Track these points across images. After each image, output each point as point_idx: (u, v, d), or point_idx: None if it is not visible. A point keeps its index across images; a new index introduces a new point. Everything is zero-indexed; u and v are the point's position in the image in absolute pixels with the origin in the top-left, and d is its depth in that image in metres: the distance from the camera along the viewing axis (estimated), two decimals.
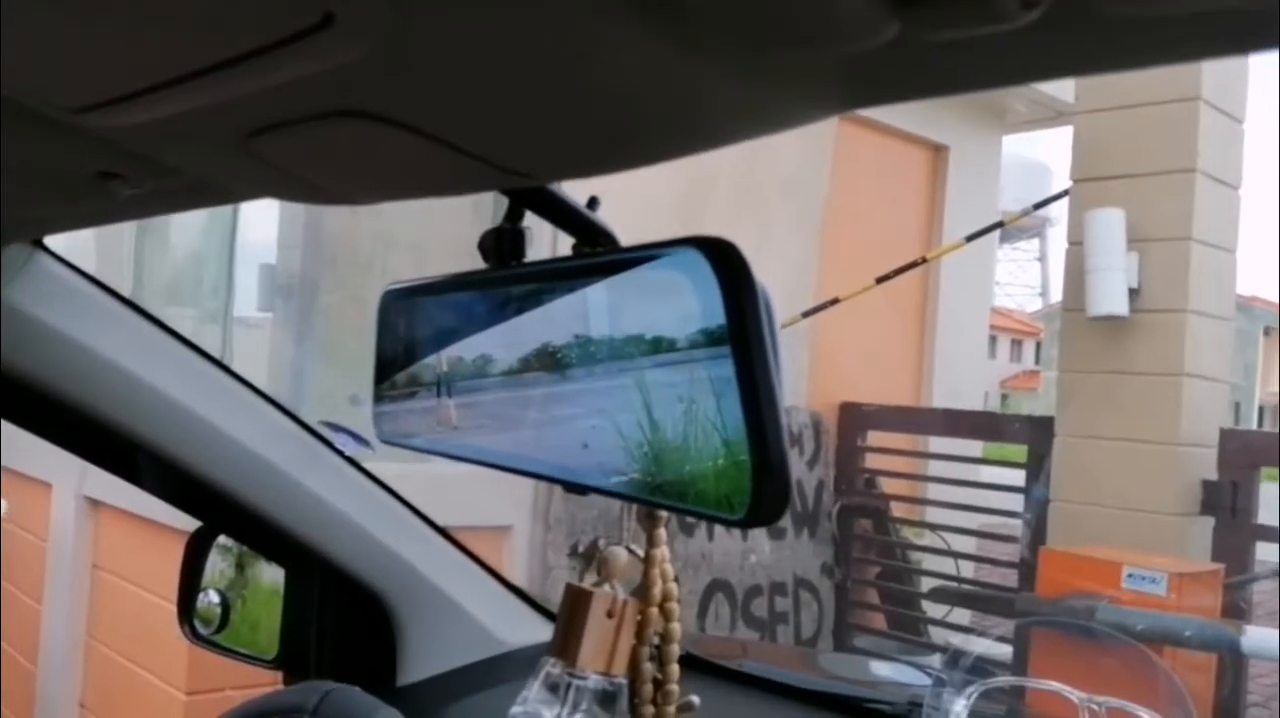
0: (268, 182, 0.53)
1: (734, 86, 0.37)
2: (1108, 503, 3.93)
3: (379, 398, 0.68)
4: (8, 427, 1.10)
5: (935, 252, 5.34)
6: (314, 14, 0.32)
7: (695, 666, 1.43)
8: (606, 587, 0.65)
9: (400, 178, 0.50)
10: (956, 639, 4.33)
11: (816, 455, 4.61)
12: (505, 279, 0.58)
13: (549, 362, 0.52)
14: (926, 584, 4.75)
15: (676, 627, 0.65)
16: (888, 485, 4.96)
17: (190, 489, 1.13)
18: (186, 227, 3.96)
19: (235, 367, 1.17)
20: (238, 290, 3.83)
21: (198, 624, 1.29)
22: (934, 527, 4.86)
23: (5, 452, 4.04)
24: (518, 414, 0.55)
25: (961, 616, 4.71)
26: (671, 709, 0.64)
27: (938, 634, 4.66)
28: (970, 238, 4.96)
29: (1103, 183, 4.10)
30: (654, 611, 0.64)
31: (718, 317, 0.43)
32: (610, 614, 0.64)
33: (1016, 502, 4.40)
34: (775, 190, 4.75)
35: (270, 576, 1.31)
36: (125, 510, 3.30)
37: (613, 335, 0.49)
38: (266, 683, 1.29)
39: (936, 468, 5.03)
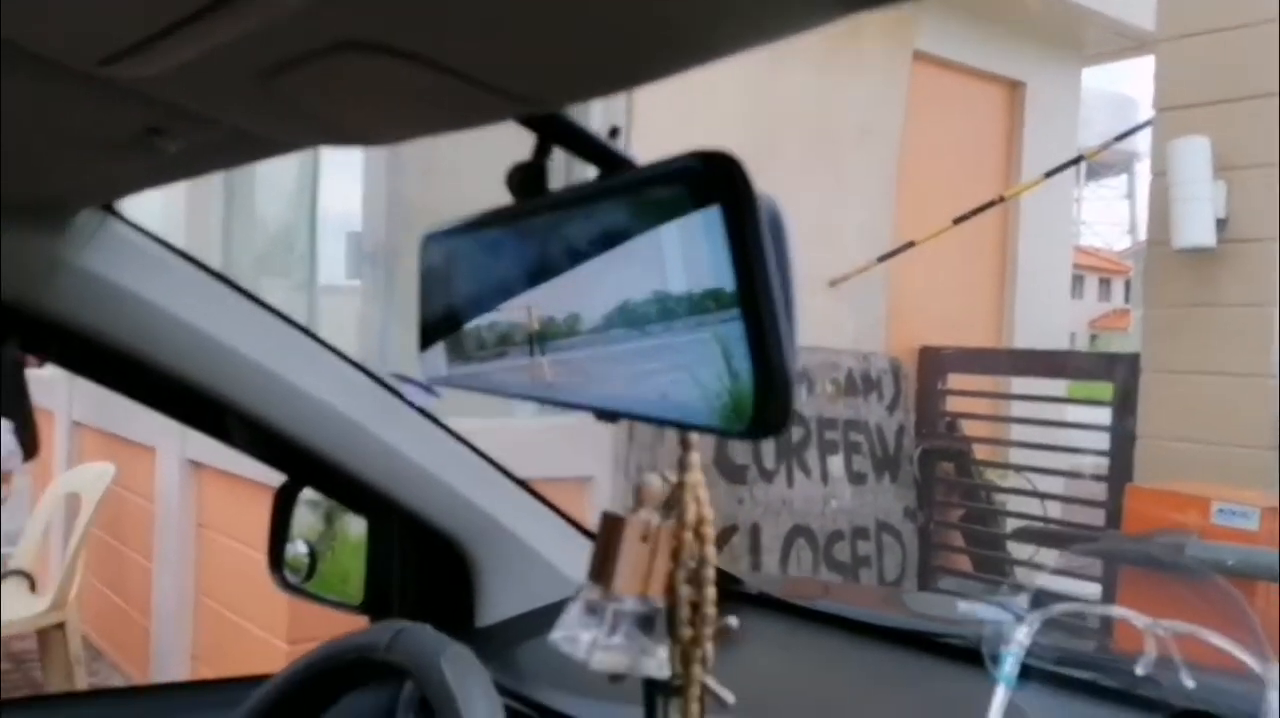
0: (292, 125, 0.55)
1: None
2: (1196, 438, 3.85)
3: (427, 342, 0.70)
4: (106, 392, 1.16)
5: (1013, 190, 5.23)
6: None
7: (770, 604, 1.46)
8: (641, 513, 0.69)
9: (414, 112, 0.52)
10: (1042, 580, 4.30)
11: (896, 400, 4.58)
12: (533, 210, 0.60)
13: (588, 292, 0.54)
14: (1011, 526, 4.71)
15: (711, 550, 0.67)
16: (969, 428, 4.91)
17: (272, 444, 1.19)
18: (272, 199, 4.07)
19: (325, 333, 1.22)
20: (328, 259, 3.94)
21: (287, 573, 1.36)
22: (1018, 468, 4.81)
23: (108, 417, 4.23)
24: (562, 345, 0.57)
25: (1049, 556, 4.66)
26: (709, 631, 0.67)
27: (1024, 576, 4.62)
28: (1049, 174, 4.85)
29: (1187, 111, 3.96)
30: (688, 534, 0.67)
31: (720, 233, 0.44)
32: (644, 539, 0.67)
33: (1102, 440, 4.33)
34: (848, 134, 4.70)
35: (357, 528, 1.38)
36: (225, 471, 3.44)
37: (637, 265, 0.50)
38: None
39: (1019, 409, 4.96)
